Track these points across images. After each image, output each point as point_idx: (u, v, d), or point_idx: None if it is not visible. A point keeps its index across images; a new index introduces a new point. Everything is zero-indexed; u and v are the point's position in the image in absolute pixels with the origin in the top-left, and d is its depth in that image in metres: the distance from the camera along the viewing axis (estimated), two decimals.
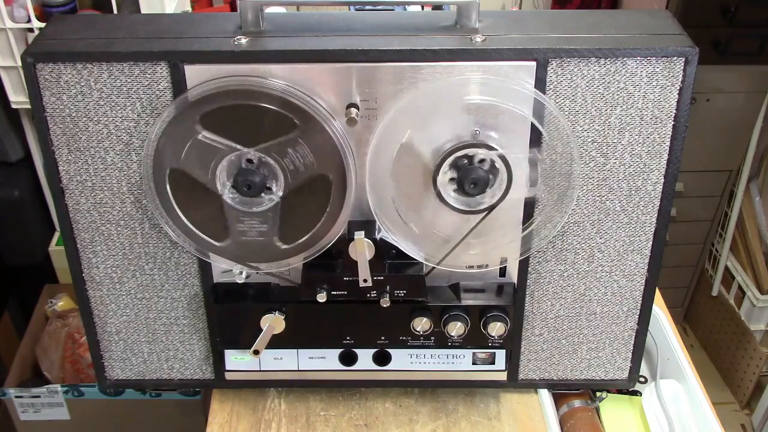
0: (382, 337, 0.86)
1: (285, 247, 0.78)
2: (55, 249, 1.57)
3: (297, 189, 0.75)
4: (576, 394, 0.93)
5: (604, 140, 0.76)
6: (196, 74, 0.72)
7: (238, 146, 0.73)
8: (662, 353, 0.98)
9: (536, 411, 0.91)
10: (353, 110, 0.73)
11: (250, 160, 0.74)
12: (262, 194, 0.75)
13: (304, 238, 0.78)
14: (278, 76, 0.72)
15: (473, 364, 0.89)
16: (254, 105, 0.71)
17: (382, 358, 0.89)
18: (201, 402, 1.42)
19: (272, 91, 0.71)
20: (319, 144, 0.73)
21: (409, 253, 0.79)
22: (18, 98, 1.37)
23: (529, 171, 0.76)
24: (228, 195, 0.75)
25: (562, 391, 0.93)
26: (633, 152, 0.77)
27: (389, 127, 0.74)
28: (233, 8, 1.59)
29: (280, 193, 0.75)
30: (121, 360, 0.90)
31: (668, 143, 0.77)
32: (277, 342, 0.83)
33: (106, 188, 0.79)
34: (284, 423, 0.90)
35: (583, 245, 0.82)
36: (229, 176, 0.74)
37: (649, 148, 0.77)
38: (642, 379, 0.93)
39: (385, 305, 0.81)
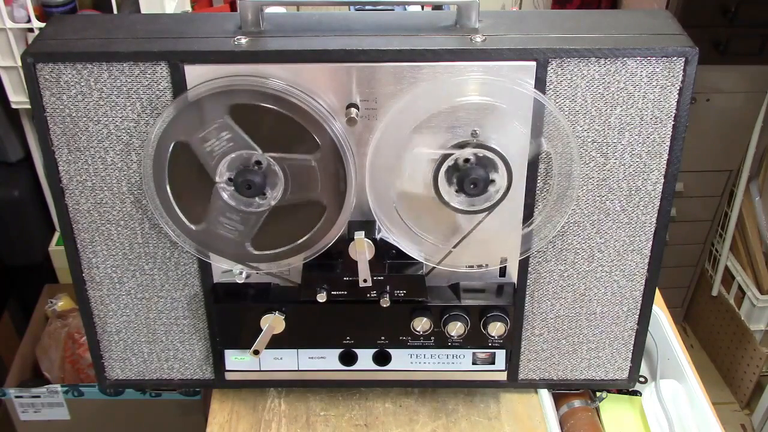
0: (382, 337, 0.86)
1: (254, 252, 0.79)
2: (55, 249, 1.57)
3: (290, 204, 0.76)
4: (576, 394, 0.93)
5: (604, 140, 0.76)
6: (196, 74, 0.72)
7: (255, 146, 0.73)
8: (662, 353, 0.98)
9: (536, 411, 0.91)
10: (353, 110, 0.73)
11: (258, 162, 0.74)
12: (256, 197, 0.75)
13: (274, 251, 0.78)
14: (278, 76, 0.72)
15: (473, 364, 0.89)
16: (284, 114, 0.72)
17: (382, 358, 0.89)
18: (201, 402, 1.42)
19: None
20: (331, 171, 0.74)
21: (409, 253, 0.79)
22: (18, 98, 1.37)
23: (529, 171, 0.76)
24: (223, 186, 0.75)
25: (562, 391, 0.94)
26: (633, 152, 0.77)
27: (389, 127, 0.74)
28: (233, 8, 1.59)
29: (273, 203, 0.75)
30: (121, 360, 0.90)
31: (668, 143, 0.77)
32: (277, 342, 0.83)
33: (106, 188, 0.79)
34: (284, 423, 0.90)
35: (583, 245, 0.82)
36: (231, 169, 0.74)
37: (649, 148, 0.77)
38: (642, 379, 0.93)
39: (385, 305, 0.81)
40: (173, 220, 0.77)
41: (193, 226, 0.77)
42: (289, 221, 0.77)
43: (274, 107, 0.71)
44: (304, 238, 0.77)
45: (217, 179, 0.74)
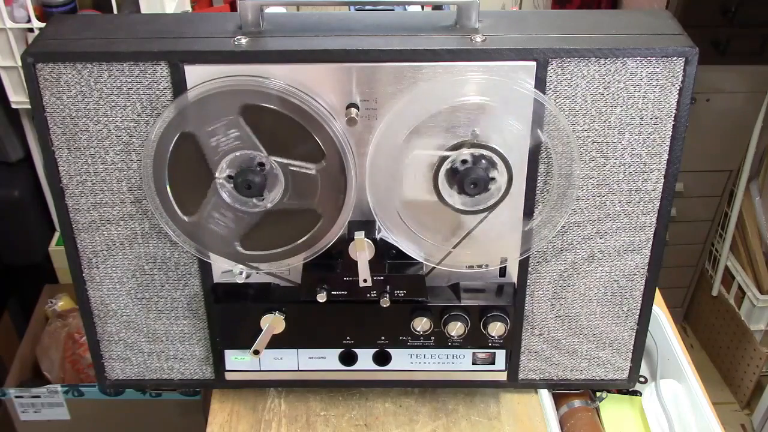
0: (382, 337, 0.86)
1: (242, 251, 0.79)
2: (55, 249, 1.57)
3: (285, 209, 0.76)
4: (576, 394, 0.93)
5: (604, 140, 0.76)
6: (196, 74, 0.72)
7: (262, 148, 0.73)
8: (662, 353, 0.98)
9: (536, 411, 0.91)
10: (353, 110, 0.73)
11: (261, 164, 0.74)
12: (254, 198, 0.75)
13: (261, 252, 0.78)
14: (278, 76, 0.72)
15: (473, 364, 0.89)
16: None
17: (382, 358, 0.89)
18: (201, 402, 1.43)
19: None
20: (332, 183, 0.74)
21: (409, 253, 0.79)
22: (18, 98, 1.37)
23: (529, 171, 0.76)
24: (222, 182, 0.75)
25: (562, 391, 0.94)
26: (633, 152, 0.77)
27: (389, 127, 0.74)
28: (233, 8, 1.59)
29: (269, 205, 0.75)
30: (121, 360, 0.90)
31: (668, 143, 0.77)
32: (277, 342, 0.83)
33: (106, 188, 0.79)
34: (284, 423, 0.90)
35: (583, 245, 0.82)
36: (232, 167, 0.74)
37: (649, 148, 0.77)
38: (642, 379, 0.93)
39: (385, 305, 0.81)
40: (166, 209, 0.77)
41: (185, 218, 0.77)
42: (281, 225, 0.77)
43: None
44: (299, 242, 0.77)
45: (218, 175, 0.74)
